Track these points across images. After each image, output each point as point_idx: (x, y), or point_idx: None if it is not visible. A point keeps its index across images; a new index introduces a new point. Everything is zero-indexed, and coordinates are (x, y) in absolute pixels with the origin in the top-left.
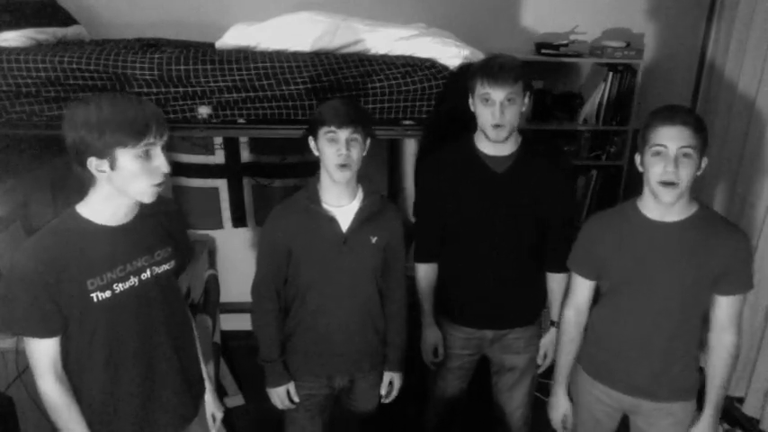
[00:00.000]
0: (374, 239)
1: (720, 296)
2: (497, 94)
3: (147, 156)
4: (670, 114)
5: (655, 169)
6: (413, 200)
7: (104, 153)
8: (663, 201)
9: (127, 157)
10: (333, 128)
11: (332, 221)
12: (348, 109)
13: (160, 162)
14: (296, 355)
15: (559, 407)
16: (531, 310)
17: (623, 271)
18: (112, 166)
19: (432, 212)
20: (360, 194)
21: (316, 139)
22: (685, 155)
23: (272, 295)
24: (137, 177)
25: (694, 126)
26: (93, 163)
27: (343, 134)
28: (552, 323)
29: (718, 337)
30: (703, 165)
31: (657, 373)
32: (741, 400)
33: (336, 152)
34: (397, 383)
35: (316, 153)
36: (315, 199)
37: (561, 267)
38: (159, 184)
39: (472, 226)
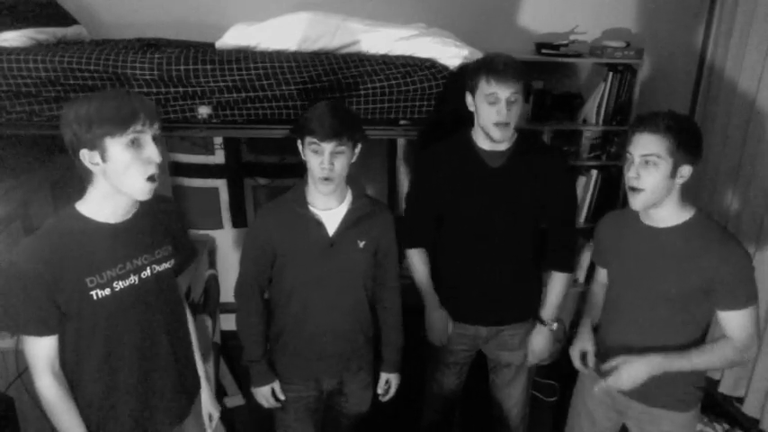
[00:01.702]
0: (362, 244)
1: (718, 311)
2: (504, 92)
3: (136, 145)
4: (638, 122)
5: (625, 175)
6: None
7: (94, 144)
8: (631, 207)
9: (116, 147)
10: (316, 140)
11: (319, 225)
12: (334, 120)
13: (151, 151)
14: (283, 357)
15: (579, 342)
16: (526, 307)
17: (616, 270)
18: (104, 158)
19: (424, 202)
20: (348, 197)
21: (302, 145)
22: (647, 162)
23: (257, 296)
24: (128, 168)
25: (663, 134)
26: (85, 156)
27: (328, 147)
28: (542, 322)
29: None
30: (683, 173)
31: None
32: (741, 400)
33: (320, 165)
34: (395, 383)
35: (303, 157)
36: (302, 202)
37: (562, 266)
38: (152, 178)
39: (469, 221)
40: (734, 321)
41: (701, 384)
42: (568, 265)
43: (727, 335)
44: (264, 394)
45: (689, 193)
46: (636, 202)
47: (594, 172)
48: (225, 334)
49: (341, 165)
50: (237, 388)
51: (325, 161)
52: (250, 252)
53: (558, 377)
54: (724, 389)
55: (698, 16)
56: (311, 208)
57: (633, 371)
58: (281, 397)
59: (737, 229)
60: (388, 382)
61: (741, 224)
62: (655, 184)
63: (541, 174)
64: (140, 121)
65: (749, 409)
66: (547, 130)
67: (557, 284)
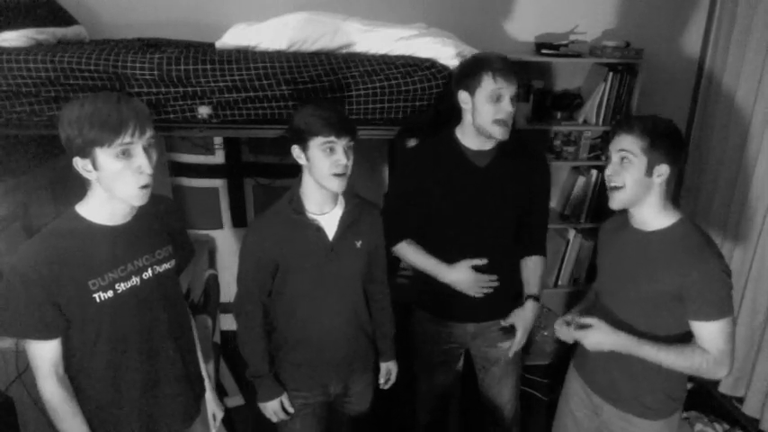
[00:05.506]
0: (359, 243)
1: (688, 320)
2: (509, 88)
3: (126, 155)
4: (617, 124)
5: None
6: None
7: (85, 152)
8: (610, 206)
9: (106, 157)
10: (332, 137)
11: (319, 230)
12: (342, 116)
13: (141, 162)
14: (289, 367)
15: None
16: (510, 302)
17: (602, 271)
18: (95, 166)
19: (408, 201)
20: (341, 199)
21: (304, 148)
22: (623, 159)
23: (259, 311)
24: (119, 177)
25: (639, 133)
26: (78, 163)
27: (343, 143)
28: (528, 297)
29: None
30: (661, 171)
31: (617, 378)
32: (741, 400)
33: (335, 162)
34: (394, 371)
35: (301, 161)
36: (299, 208)
37: (538, 250)
38: (145, 186)
39: (457, 220)
40: (702, 333)
41: (677, 394)
42: (544, 250)
43: (698, 342)
44: (274, 408)
45: (688, 196)
46: (614, 200)
47: (594, 172)
48: (225, 334)
49: (352, 160)
50: (237, 388)
51: (342, 157)
52: (249, 268)
53: (554, 376)
54: (724, 389)
55: (698, 17)
56: (309, 213)
57: (601, 336)
58: (290, 409)
59: (736, 233)
60: (389, 371)
61: (740, 227)
62: (631, 181)
63: (526, 173)
64: (129, 131)
65: (749, 409)
66: (546, 130)
67: (538, 267)
